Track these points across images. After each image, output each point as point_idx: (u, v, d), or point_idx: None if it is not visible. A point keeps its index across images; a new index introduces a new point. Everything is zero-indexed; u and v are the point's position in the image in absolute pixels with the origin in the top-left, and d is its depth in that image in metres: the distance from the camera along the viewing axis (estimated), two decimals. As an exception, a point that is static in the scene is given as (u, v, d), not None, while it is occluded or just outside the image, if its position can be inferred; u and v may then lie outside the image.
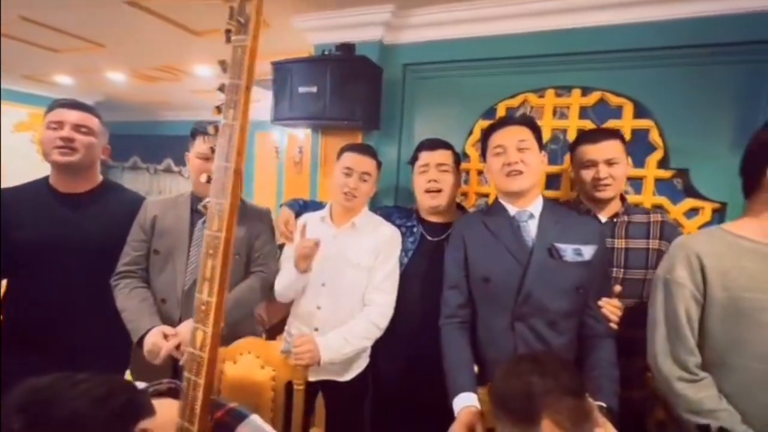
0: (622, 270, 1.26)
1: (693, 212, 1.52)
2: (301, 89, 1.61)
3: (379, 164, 1.45)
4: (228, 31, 0.80)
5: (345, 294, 1.38)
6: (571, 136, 1.66)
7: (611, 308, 1.13)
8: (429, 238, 1.42)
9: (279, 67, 1.69)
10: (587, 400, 0.68)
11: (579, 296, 1.08)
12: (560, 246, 1.07)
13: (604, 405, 0.92)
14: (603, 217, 1.31)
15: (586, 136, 1.34)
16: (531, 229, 1.12)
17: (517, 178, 1.13)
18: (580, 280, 1.08)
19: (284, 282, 1.40)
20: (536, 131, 1.18)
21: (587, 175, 1.29)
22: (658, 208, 1.50)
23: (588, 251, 1.08)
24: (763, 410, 0.88)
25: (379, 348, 1.45)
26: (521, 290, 1.07)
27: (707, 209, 1.49)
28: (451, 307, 1.19)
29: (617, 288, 1.21)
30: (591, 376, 1.02)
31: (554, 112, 1.69)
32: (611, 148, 1.26)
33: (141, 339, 1.25)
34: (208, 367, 0.77)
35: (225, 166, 0.78)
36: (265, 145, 4.43)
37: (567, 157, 1.66)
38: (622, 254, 1.27)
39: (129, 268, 1.39)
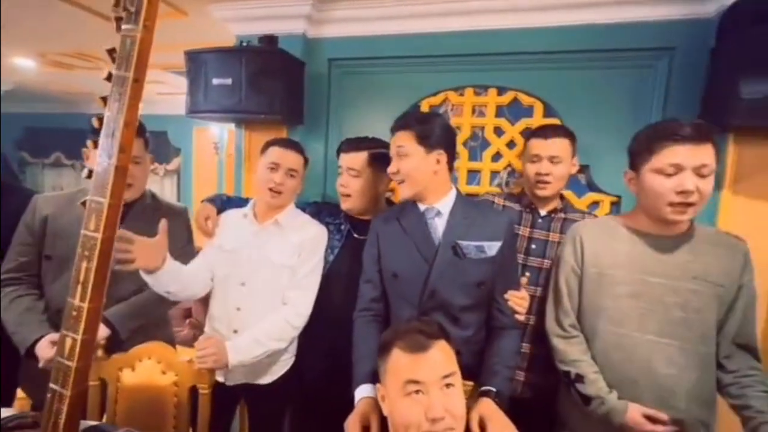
0: (551, 261, 1.31)
1: (595, 205, 1.64)
2: (216, 81, 1.54)
3: (306, 160, 1.40)
4: (118, 19, 0.74)
5: (266, 294, 1.33)
6: (488, 134, 1.73)
7: (516, 300, 1.16)
8: (356, 236, 1.40)
9: (192, 57, 1.60)
10: (443, 343, 0.81)
11: (480, 292, 1.10)
12: (464, 244, 1.08)
13: (493, 389, 0.96)
14: (543, 211, 1.37)
15: (538, 131, 1.37)
16: (438, 227, 1.13)
17: (401, 187, 1.13)
18: (483, 276, 1.09)
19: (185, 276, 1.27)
20: (421, 131, 1.09)
21: (531, 169, 1.33)
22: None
23: (492, 247, 1.09)
24: (615, 367, 1.06)
25: (304, 347, 1.43)
26: (426, 287, 1.08)
27: (606, 202, 1.62)
28: (365, 300, 1.19)
29: (524, 279, 1.28)
30: (489, 362, 1.06)
31: (473, 111, 1.75)
32: (558, 146, 1.31)
33: (31, 351, 1.15)
34: (76, 377, 0.72)
35: (107, 163, 0.73)
36: (203, 141, 4.22)
37: (486, 154, 1.75)
38: (555, 247, 1.32)
39: (13, 275, 1.25)
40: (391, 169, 1.13)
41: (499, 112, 1.72)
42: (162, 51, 2.76)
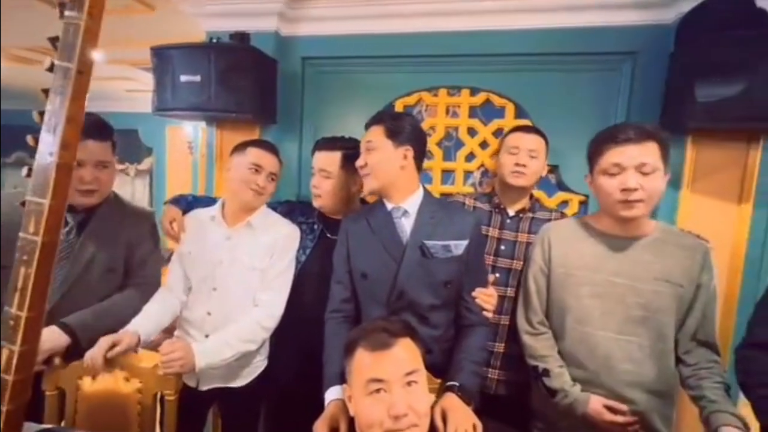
0: (522, 262, 1.33)
1: (564, 204, 1.68)
2: (183, 78, 1.49)
3: (281, 164, 1.40)
4: (61, 5, 0.70)
5: (238, 298, 1.30)
6: (462, 135, 1.75)
7: (485, 298, 1.17)
8: (329, 235, 1.39)
9: (158, 54, 1.55)
10: (407, 341, 0.81)
11: (448, 291, 1.11)
12: (430, 243, 1.09)
13: (456, 384, 0.97)
14: (511, 211, 1.39)
15: (519, 128, 1.46)
16: (406, 226, 1.13)
17: (366, 179, 1.15)
18: (450, 276, 1.10)
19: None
20: (391, 126, 1.12)
21: (510, 160, 1.36)
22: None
23: (459, 246, 1.10)
24: (580, 362, 1.10)
25: (277, 349, 1.41)
26: (395, 287, 1.09)
27: (575, 201, 1.66)
28: (336, 301, 1.19)
29: (492, 277, 1.30)
30: (456, 359, 1.07)
31: (447, 111, 1.77)
32: (536, 141, 1.37)
33: None
34: (14, 392, 0.68)
35: (48, 160, 0.69)
36: (176, 141, 4.11)
37: (460, 154, 1.76)
38: (524, 247, 1.34)
39: None
40: (359, 162, 1.15)
41: (472, 112, 1.74)
42: (130, 47, 2.68)
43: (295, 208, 1.50)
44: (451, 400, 0.92)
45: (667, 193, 1.47)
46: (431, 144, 1.77)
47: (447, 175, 1.79)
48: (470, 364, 1.05)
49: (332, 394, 0.98)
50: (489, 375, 1.35)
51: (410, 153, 1.12)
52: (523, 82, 1.66)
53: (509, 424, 1.03)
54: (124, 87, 3.93)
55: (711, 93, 1.18)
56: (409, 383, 0.76)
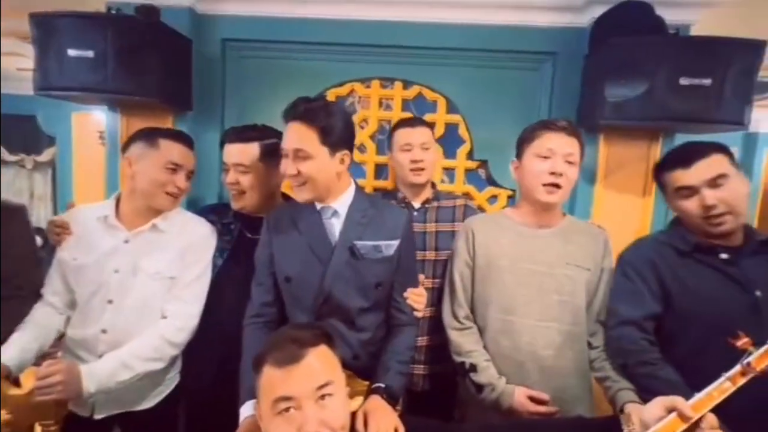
0: (434, 252, 1.35)
1: (494, 198, 1.73)
2: (72, 52, 1.27)
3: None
4: None
5: (140, 312, 1.13)
6: (396, 128, 1.72)
7: (415, 297, 1.14)
8: (249, 235, 1.27)
9: (40, 23, 1.31)
10: (321, 349, 0.74)
11: (378, 292, 1.07)
12: (360, 244, 1.03)
13: (381, 385, 0.95)
14: (417, 204, 1.39)
15: (403, 122, 1.44)
16: (335, 227, 1.06)
17: (300, 189, 1.02)
18: (381, 277, 1.06)
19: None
20: (326, 128, 0.98)
21: (405, 158, 1.35)
22: (464, 194, 1.67)
23: (390, 247, 1.05)
24: (504, 353, 1.11)
25: (191, 363, 1.26)
26: (321, 290, 1.02)
27: (503, 196, 1.71)
28: (256, 305, 1.09)
29: (422, 277, 1.28)
30: (383, 359, 1.03)
31: (380, 104, 1.72)
32: (425, 134, 1.37)
33: None
34: None
35: None
36: (84, 129, 3.62)
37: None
38: (433, 237, 1.36)
39: None
40: (289, 171, 1.00)
41: (405, 106, 1.72)
42: (19, 16, 2.28)
43: (206, 209, 1.39)
44: (375, 403, 0.88)
45: (584, 188, 1.58)
46: (364, 137, 1.72)
47: (381, 169, 1.76)
48: (397, 364, 1.02)
49: (247, 409, 0.90)
50: (415, 371, 1.33)
51: (347, 158, 1.03)
52: (454, 77, 1.67)
53: (441, 419, 1.01)
54: (15, 64, 3.37)
55: (618, 93, 1.27)
56: (322, 397, 0.69)
